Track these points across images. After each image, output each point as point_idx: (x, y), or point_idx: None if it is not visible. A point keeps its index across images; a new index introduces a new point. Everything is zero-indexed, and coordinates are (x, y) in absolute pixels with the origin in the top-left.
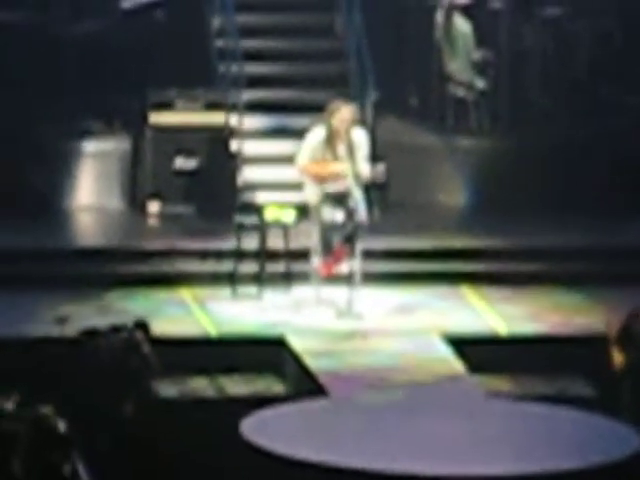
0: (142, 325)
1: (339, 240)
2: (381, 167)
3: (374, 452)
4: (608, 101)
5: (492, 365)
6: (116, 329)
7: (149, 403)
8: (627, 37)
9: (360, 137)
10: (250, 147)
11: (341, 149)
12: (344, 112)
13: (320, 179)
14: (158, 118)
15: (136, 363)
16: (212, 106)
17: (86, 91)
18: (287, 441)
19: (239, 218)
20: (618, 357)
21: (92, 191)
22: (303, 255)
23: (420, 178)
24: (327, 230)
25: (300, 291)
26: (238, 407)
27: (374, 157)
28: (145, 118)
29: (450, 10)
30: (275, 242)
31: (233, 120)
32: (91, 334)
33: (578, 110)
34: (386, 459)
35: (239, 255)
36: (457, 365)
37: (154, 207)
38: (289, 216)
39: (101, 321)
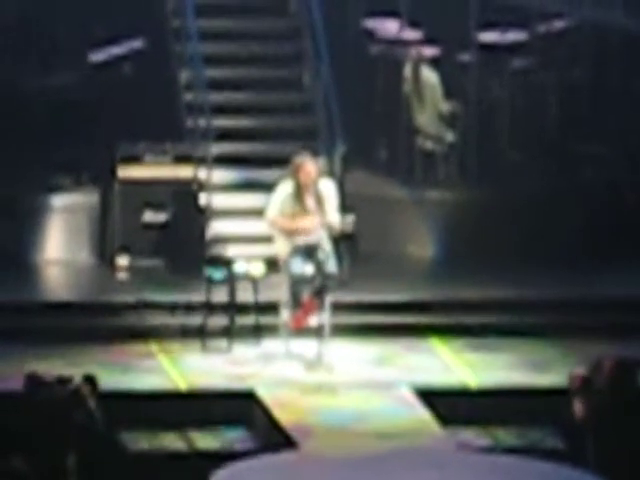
0: (89, 379)
1: (308, 293)
2: (350, 218)
3: None
4: (577, 153)
5: (462, 417)
6: (62, 381)
7: (99, 457)
8: (596, 88)
9: (328, 189)
10: (219, 200)
11: (310, 202)
12: (308, 167)
13: (289, 233)
14: (126, 172)
15: (80, 417)
16: (181, 160)
17: (54, 145)
18: None
19: (208, 271)
20: (580, 408)
21: (61, 245)
22: (273, 308)
23: (389, 230)
24: (296, 283)
25: (270, 344)
26: (208, 461)
27: (343, 209)
28: (114, 172)
29: (418, 62)
30: (244, 295)
31: (202, 174)
32: (36, 385)
33: (547, 162)
34: None
35: (208, 308)
36: (427, 417)
37: (123, 261)
38: (258, 269)
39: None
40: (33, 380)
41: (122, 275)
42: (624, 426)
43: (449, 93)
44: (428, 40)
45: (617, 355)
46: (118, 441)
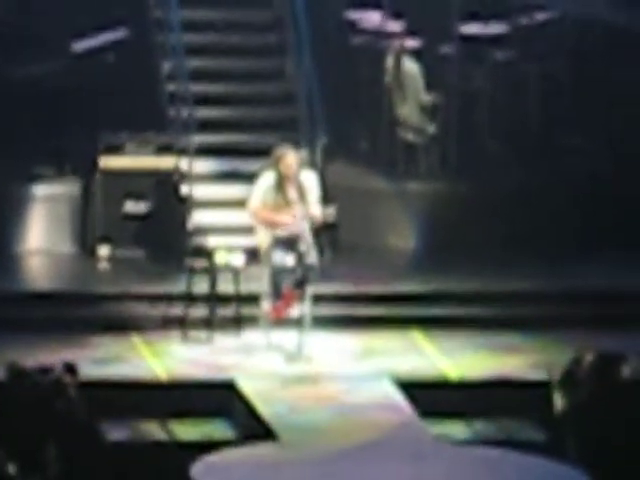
0: (70, 368)
1: (289, 284)
2: (331, 209)
3: None
4: (559, 145)
5: (442, 409)
6: (44, 370)
7: (79, 446)
8: (577, 79)
9: (310, 180)
10: (200, 191)
11: (292, 193)
12: (289, 158)
13: (270, 225)
14: (108, 162)
15: (61, 406)
16: (162, 150)
17: (36, 135)
18: None
19: (189, 262)
20: (560, 401)
21: (42, 235)
22: (253, 299)
23: (370, 222)
24: (277, 274)
25: (250, 335)
26: (188, 451)
27: (324, 200)
28: (95, 162)
29: (400, 54)
30: (225, 286)
31: (183, 164)
32: (17, 374)
33: (528, 154)
34: None
35: (189, 299)
36: (407, 409)
37: (104, 251)
38: (239, 260)
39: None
40: (13, 370)
41: (103, 265)
42: (605, 419)
43: (430, 85)
44: (410, 31)
45: (599, 348)
46: (98, 430)
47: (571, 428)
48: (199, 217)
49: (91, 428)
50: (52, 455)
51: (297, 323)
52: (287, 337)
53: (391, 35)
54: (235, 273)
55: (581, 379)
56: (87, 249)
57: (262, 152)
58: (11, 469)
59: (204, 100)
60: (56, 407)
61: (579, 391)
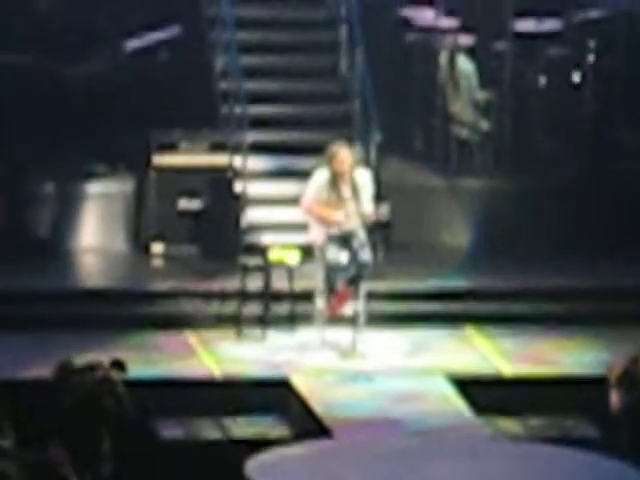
0: (118, 364)
1: (343, 281)
2: (385, 207)
3: None
4: (613, 142)
5: (497, 406)
6: (92, 367)
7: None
8: (633, 77)
9: (364, 178)
10: (254, 188)
11: (345, 190)
12: (342, 155)
13: (324, 221)
14: (162, 159)
15: (110, 403)
16: (216, 147)
17: (90, 133)
18: None
19: (243, 259)
20: (616, 399)
21: (96, 233)
22: (307, 296)
23: (424, 219)
24: (331, 271)
25: (304, 332)
26: (242, 449)
27: (378, 198)
28: (149, 160)
29: (454, 51)
30: (279, 283)
31: (237, 161)
32: (66, 371)
33: (583, 151)
34: None
35: (243, 296)
36: (461, 406)
37: (158, 248)
38: (293, 257)
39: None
40: (63, 367)
41: (157, 263)
42: None
43: (484, 82)
44: (464, 29)
45: None
46: (151, 428)
47: (626, 426)
48: (253, 214)
49: (143, 426)
50: (105, 453)
51: (351, 320)
52: (341, 334)
53: (445, 32)
54: (289, 270)
55: (638, 378)
56: (141, 247)
57: (315, 149)
58: (64, 469)
59: (257, 97)
60: (105, 404)
61: (636, 389)
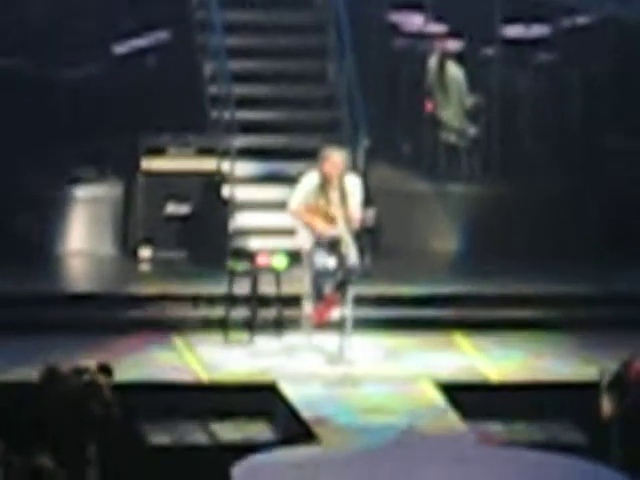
0: (104, 368)
1: (331, 286)
2: (371, 211)
3: None
4: (601, 147)
5: (483, 411)
6: (78, 371)
7: (118, 448)
8: (620, 83)
9: (354, 185)
10: (242, 193)
11: (334, 195)
12: (335, 158)
13: (311, 228)
14: (150, 164)
15: (97, 407)
16: (204, 152)
17: (78, 137)
18: None
19: (231, 264)
20: (607, 405)
21: (84, 237)
22: (295, 301)
23: (412, 224)
24: (319, 276)
25: (291, 337)
26: (229, 453)
27: (366, 203)
28: (137, 164)
29: (443, 56)
30: (267, 288)
31: (225, 166)
32: (52, 375)
33: (570, 156)
34: None
35: (231, 301)
36: (448, 411)
37: (146, 252)
38: (281, 262)
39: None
40: (49, 371)
41: (144, 267)
42: None
43: (473, 87)
44: (452, 34)
45: None
46: (137, 432)
47: (616, 432)
48: (241, 219)
49: (129, 430)
50: (91, 458)
51: (338, 325)
52: (328, 339)
53: (433, 37)
54: (276, 275)
55: (629, 383)
56: (128, 251)
57: (303, 154)
58: (50, 472)
59: (245, 102)
60: (91, 409)
61: (627, 395)
